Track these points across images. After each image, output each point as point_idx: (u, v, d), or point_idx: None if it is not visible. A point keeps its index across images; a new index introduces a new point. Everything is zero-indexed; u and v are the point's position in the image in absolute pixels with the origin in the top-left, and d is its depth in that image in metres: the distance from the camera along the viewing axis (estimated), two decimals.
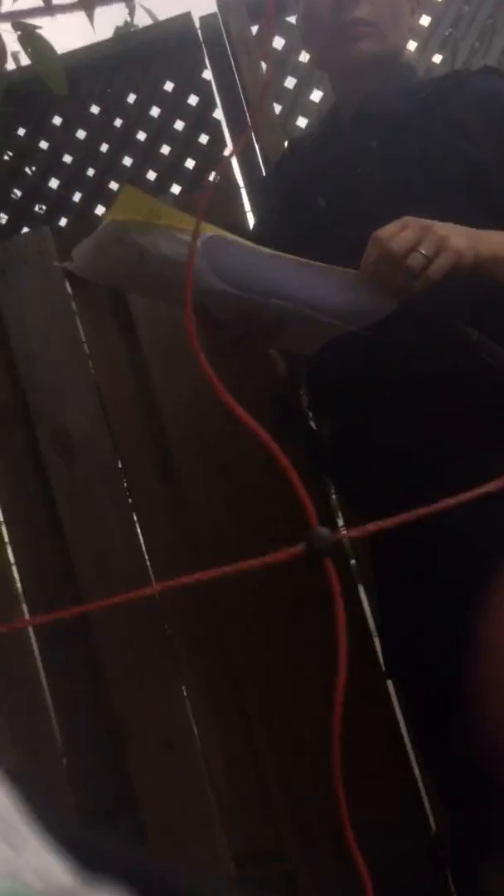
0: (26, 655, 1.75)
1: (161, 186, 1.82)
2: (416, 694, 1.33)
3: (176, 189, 1.82)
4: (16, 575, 1.79)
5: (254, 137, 1.76)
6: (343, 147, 1.28)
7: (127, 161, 1.84)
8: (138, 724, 1.69)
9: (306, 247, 1.09)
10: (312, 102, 1.77)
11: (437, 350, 1.13)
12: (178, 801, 1.68)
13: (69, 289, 1.78)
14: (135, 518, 1.76)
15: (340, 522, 1.69)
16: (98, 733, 1.75)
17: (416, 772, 1.62)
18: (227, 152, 1.82)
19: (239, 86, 1.79)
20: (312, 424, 1.45)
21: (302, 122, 1.77)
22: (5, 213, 1.88)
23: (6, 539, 1.80)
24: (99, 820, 1.74)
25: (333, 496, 1.65)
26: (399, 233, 1.02)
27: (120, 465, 1.77)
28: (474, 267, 1.04)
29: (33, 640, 1.77)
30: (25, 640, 1.76)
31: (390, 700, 1.61)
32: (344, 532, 0.34)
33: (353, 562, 1.68)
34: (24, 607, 1.78)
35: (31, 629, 1.80)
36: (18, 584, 1.79)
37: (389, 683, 1.59)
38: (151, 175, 1.84)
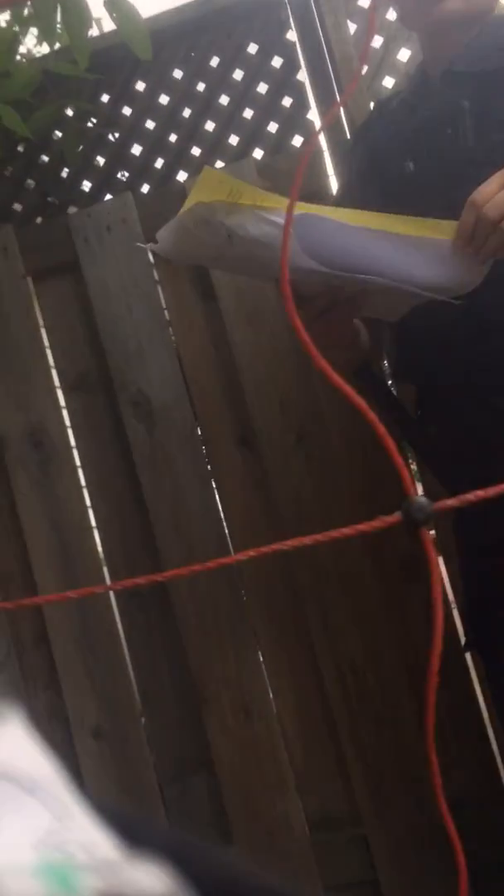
0: (107, 617, 1.79)
1: (243, 151, 1.80)
2: (498, 667, 1.31)
3: (258, 153, 1.80)
4: (97, 538, 1.83)
5: (338, 98, 1.73)
6: (432, 107, 1.23)
7: (209, 126, 1.83)
8: (215, 688, 1.72)
9: (394, 211, 1.06)
10: (400, 62, 1.72)
11: None
12: (253, 765, 1.70)
13: (151, 256, 1.79)
14: (213, 484, 1.78)
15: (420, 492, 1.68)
16: (176, 695, 1.79)
17: (495, 746, 1.61)
18: (313, 118, 1.78)
19: (324, 47, 1.75)
20: (395, 393, 1.43)
21: (389, 82, 1.73)
22: (89, 181, 1.90)
23: (88, 503, 1.84)
24: (175, 779, 1.78)
25: (413, 466, 1.63)
26: (495, 194, 0.99)
27: (199, 432, 1.78)
28: None
29: (114, 602, 1.81)
30: (106, 602, 1.81)
31: (469, 673, 1.60)
32: (444, 502, 0.33)
33: (432, 533, 1.66)
34: (105, 570, 1.82)
35: (111, 592, 1.84)
36: (100, 548, 1.83)
37: (468, 656, 1.58)
38: (234, 140, 1.82)
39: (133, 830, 0.26)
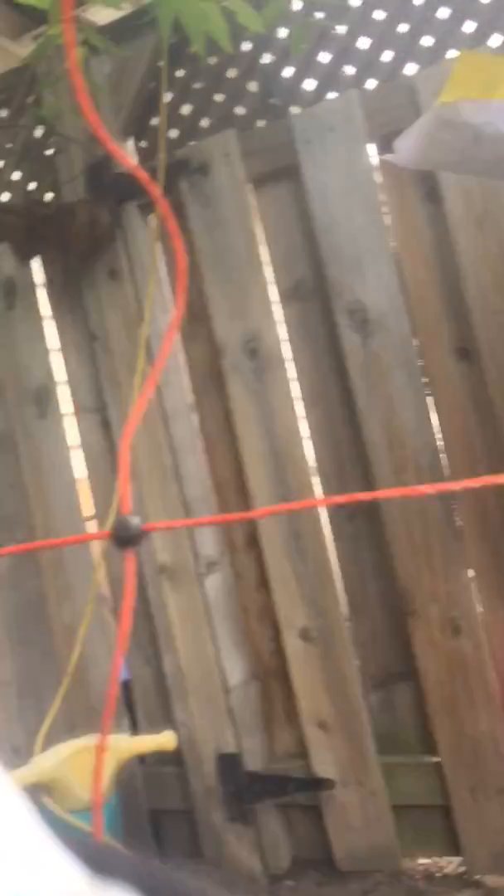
0: (317, 525, 1.82)
1: (480, 39, 1.67)
2: None
3: (497, 40, 1.66)
4: (310, 448, 1.85)
5: None
6: None
7: (443, 13, 1.70)
8: (422, 600, 1.71)
9: None
10: None
11: None
12: (459, 681, 1.69)
13: (375, 159, 1.72)
14: (429, 398, 1.73)
15: None
16: (383, 605, 1.80)
17: None
18: None
19: None
20: None
21: None
22: (312, 79, 1.83)
23: (301, 413, 1.84)
24: (380, 686, 1.81)
25: None
26: None
27: (416, 343, 1.73)
28: None
29: (323, 512, 1.83)
30: (316, 511, 1.83)
31: None
32: None
33: None
34: (318, 480, 1.84)
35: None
36: (312, 457, 1.84)
37: None
38: (469, 26, 1.68)
39: (99, 859, 0.25)
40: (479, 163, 1.02)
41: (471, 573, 1.72)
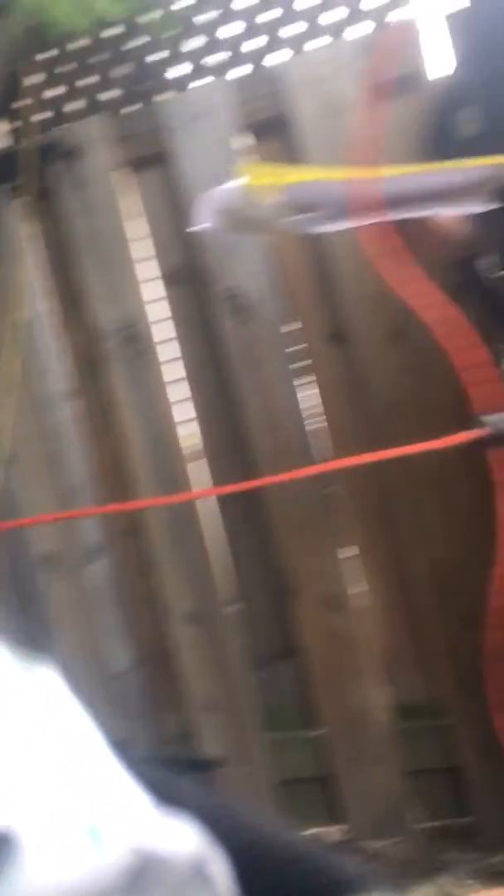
0: (195, 510, 1.83)
1: (341, 28, 1.70)
2: None
3: (357, 31, 1.69)
4: (189, 432, 1.86)
5: None
6: None
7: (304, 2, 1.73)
8: (304, 580, 1.75)
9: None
10: None
11: None
12: (337, 655, 1.75)
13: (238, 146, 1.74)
14: (305, 380, 1.76)
15: None
16: (266, 585, 1.84)
17: None
18: None
19: None
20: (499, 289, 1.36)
21: None
22: (180, 67, 1.83)
23: (180, 396, 1.85)
24: (265, 664, 1.85)
25: None
26: None
27: (291, 328, 1.76)
28: None
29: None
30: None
31: None
32: None
33: None
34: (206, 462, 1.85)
35: (210, 478, 1.86)
36: (193, 441, 1.86)
37: None
38: (331, 17, 1.71)
39: (166, 790, 0.27)
40: (288, 225, 1.17)
41: (350, 552, 1.77)
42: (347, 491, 1.76)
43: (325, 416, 1.76)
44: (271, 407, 1.75)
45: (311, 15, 1.73)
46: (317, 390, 1.76)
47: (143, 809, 0.25)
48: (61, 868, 0.21)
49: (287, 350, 1.75)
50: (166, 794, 0.27)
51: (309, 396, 1.77)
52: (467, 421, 1.23)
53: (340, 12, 1.71)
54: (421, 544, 1.69)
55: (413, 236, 1.21)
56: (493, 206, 1.13)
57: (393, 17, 1.67)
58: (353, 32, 1.70)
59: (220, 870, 0.24)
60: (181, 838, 0.24)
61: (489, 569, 1.63)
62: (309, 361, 1.76)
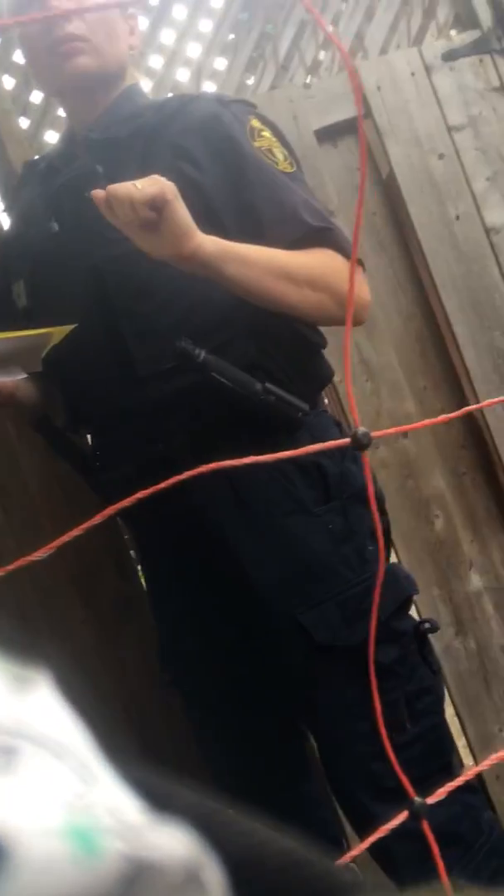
0: None
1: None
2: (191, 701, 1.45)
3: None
4: None
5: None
6: (73, 170, 1.29)
7: None
8: None
9: (42, 270, 1.26)
10: (61, 117, 1.71)
11: (169, 371, 1.19)
12: None
13: None
14: None
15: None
16: None
17: None
18: None
19: None
20: (75, 441, 1.45)
21: (52, 136, 1.73)
22: None
23: None
24: None
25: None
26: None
27: None
28: (195, 255, 1.06)
29: None
30: None
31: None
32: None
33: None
34: None
35: None
36: None
37: None
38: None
39: (158, 795, 0.26)
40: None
41: None
42: None
43: None
44: None
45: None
46: None
47: (136, 815, 0.25)
48: (53, 876, 0.21)
49: None
50: (159, 800, 0.27)
51: None
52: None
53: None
54: None
55: None
56: (21, 375, 1.19)
57: None
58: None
59: (215, 876, 0.24)
60: (175, 844, 0.23)
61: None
62: None
